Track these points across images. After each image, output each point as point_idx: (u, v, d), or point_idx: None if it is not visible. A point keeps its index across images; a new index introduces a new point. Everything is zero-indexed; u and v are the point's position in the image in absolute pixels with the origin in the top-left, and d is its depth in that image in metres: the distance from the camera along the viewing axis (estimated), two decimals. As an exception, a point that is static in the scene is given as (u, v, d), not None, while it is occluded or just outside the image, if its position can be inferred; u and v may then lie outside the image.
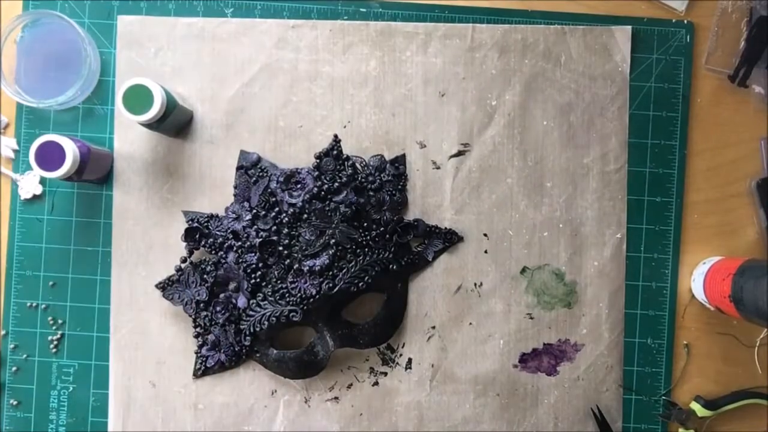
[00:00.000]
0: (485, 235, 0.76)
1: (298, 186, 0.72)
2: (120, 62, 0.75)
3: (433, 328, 0.75)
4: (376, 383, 0.75)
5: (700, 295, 0.74)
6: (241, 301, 0.72)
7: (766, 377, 0.76)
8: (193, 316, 0.73)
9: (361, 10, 0.76)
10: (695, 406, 0.75)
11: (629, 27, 0.76)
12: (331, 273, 0.71)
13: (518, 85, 0.76)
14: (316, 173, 0.72)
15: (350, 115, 0.76)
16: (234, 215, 0.73)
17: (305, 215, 0.71)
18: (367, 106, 0.76)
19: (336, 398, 0.75)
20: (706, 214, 0.77)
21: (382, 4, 0.76)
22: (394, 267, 0.73)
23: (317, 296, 0.70)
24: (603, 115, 0.76)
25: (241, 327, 0.71)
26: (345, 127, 0.75)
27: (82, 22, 0.75)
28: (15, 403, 0.75)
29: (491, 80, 0.76)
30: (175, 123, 0.72)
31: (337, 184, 0.71)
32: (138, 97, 0.66)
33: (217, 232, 0.73)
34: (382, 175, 0.74)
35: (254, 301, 0.71)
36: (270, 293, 0.71)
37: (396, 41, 0.76)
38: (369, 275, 0.72)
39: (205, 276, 0.72)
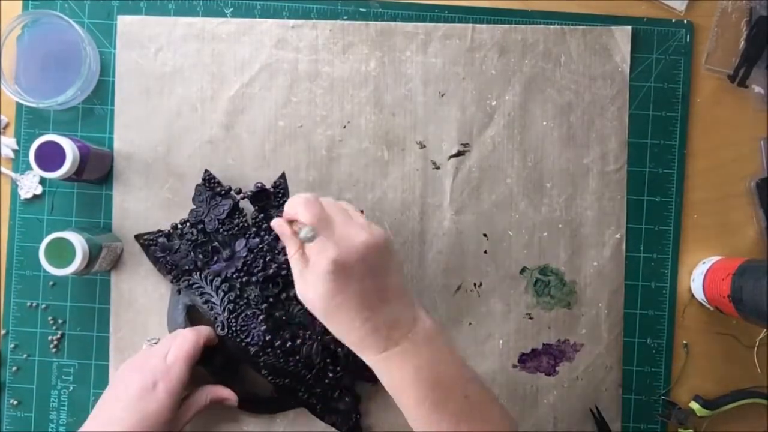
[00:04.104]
0: (485, 235, 0.76)
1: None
2: (120, 62, 0.75)
3: (433, 327, 0.75)
4: (376, 383, 0.75)
5: (699, 294, 0.74)
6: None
7: (765, 377, 0.76)
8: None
9: (361, 10, 0.76)
10: (694, 406, 0.75)
11: (629, 27, 0.76)
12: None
13: (518, 86, 0.76)
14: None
15: (350, 115, 0.76)
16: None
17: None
18: (367, 106, 0.76)
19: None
20: (705, 214, 0.77)
21: (382, 4, 0.76)
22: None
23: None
24: (603, 115, 0.76)
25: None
26: (345, 127, 0.75)
27: (82, 22, 0.75)
28: (15, 402, 0.75)
29: (491, 80, 0.76)
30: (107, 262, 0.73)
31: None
32: (60, 250, 0.67)
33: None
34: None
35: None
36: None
37: (396, 41, 0.76)
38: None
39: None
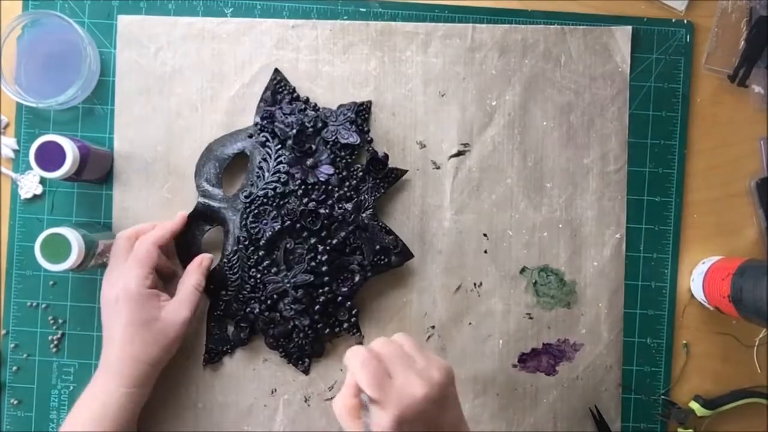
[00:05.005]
0: (485, 235, 0.76)
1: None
2: (120, 62, 0.75)
3: (433, 327, 0.75)
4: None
5: (699, 294, 0.74)
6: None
7: (765, 377, 0.76)
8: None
9: (361, 10, 0.76)
10: (694, 406, 0.75)
11: (629, 27, 0.76)
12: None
13: (518, 86, 0.76)
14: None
15: (350, 115, 0.76)
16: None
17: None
18: (367, 106, 0.76)
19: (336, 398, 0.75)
20: (705, 214, 0.77)
21: (382, 4, 0.76)
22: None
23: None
24: (603, 116, 0.76)
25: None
26: (345, 127, 0.76)
27: (82, 22, 0.75)
28: (15, 402, 0.75)
29: (491, 80, 0.76)
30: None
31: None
32: (56, 246, 0.66)
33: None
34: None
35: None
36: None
37: (396, 41, 0.76)
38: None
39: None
